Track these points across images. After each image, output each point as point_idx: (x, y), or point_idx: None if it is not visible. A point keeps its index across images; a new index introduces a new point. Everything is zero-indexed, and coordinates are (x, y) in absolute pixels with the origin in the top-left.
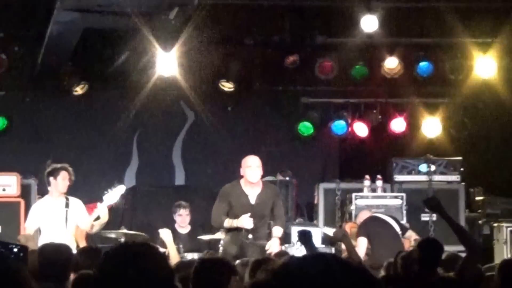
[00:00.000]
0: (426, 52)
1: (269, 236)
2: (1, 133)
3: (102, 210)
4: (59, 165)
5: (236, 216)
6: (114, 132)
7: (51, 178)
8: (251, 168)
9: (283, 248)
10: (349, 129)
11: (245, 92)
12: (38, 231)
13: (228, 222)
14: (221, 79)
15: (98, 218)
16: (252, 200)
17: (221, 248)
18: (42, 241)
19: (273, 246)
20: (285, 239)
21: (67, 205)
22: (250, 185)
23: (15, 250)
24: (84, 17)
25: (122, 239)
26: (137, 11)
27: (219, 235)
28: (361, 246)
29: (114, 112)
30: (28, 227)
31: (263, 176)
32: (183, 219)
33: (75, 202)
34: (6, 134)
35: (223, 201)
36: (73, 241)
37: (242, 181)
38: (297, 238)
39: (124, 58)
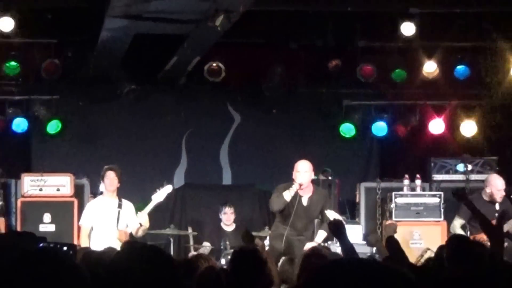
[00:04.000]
0: (463, 56)
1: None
2: (56, 135)
3: (142, 218)
4: (105, 167)
5: (288, 216)
6: (164, 133)
7: (101, 180)
8: (300, 173)
9: (327, 244)
10: (390, 130)
11: (289, 95)
12: (91, 229)
13: (286, 193)
14: (266, 82)
15: (140, 225)
16: (305, 201)
17: (267, 244)
18: (93, 239)
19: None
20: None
21: (119, 206)
22: (301, 188)
23: (64, 248)
24: (133, 23)
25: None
26: (184, 18)
27: (264, 232)
28: None
29: (164, 114)
30: (83, 224)
31: None
32: (227, 217)
33: (127, 205)
34: (61, 136)
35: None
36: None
37: None
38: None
39: (173, 63)
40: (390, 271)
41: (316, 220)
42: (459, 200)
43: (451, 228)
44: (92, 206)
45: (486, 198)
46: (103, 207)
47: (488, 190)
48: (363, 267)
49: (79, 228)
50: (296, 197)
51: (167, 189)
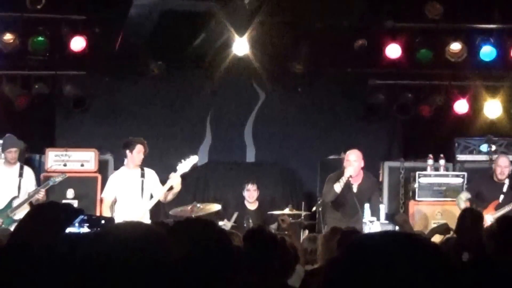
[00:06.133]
0: (488, 37)
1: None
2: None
3: (174, 180)
4: (134, 139)
5: (340, 203)
6: (189, 110)
7: (127, 151)
8: (350, 162)
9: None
10: (414, 110)
11: (315, 74)
12: (115, 201)
13: (336, 185)
14: (292, 61)
15: (171, 188)
16: (355, 188)
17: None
18: (118, 211)
19: None
20: None
21: (142, 175)
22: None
23: (103, 222)
24: (161, 0)
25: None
26: None
27: (287, 211)
28: None
29: (189, 91)
30: (105, 197)
31: (329, 154)
32: (250, 194)
33: (150, 173)
34: (86, 112)
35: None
36: (147, 212)
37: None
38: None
39: (200, 40)
40: (427, 244)
41: None
42: None
43: (456, 200)
44: (115, 178)
45: (495, 178)
46: (127, 178)
47: (493, 167)
48: (404, 238)
49: (101, 200)
50: (347, 185)
51: (193, 159)
